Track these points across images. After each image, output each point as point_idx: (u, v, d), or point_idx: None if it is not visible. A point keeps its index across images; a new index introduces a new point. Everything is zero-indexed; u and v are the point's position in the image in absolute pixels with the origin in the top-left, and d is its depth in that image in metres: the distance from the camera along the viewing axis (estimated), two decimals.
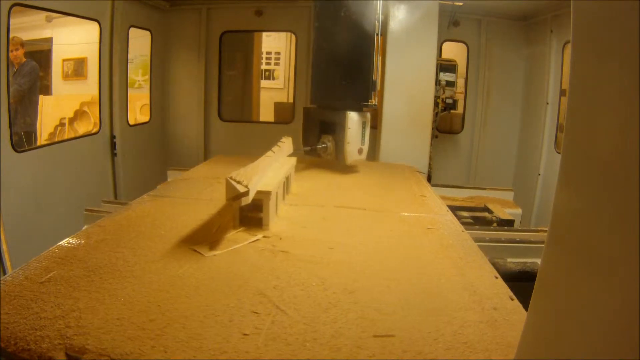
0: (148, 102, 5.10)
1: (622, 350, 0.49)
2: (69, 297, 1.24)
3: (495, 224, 2.92)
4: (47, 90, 5.43)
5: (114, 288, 1.29)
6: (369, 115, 2.94)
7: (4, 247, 2.88)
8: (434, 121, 4.35)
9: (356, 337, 1.09)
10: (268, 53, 7.97)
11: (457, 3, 4.42)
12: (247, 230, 1.78)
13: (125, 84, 4.35)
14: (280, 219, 1.94)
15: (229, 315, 1.17)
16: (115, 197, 4.28)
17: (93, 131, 4.25)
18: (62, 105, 5.56)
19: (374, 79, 2.83)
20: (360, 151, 2.90)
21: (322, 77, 2.95)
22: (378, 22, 2.78)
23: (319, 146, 2.94)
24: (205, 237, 1.71)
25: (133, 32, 4.41)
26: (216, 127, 5.26)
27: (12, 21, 2.92)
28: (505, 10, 4.78)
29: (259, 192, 1.75)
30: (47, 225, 3.31)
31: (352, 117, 2.80)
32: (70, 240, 1.65)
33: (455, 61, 4.73)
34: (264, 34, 7.03)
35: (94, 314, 1.15)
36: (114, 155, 4.25)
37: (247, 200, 1.65)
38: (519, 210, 3.20)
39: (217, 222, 1.87)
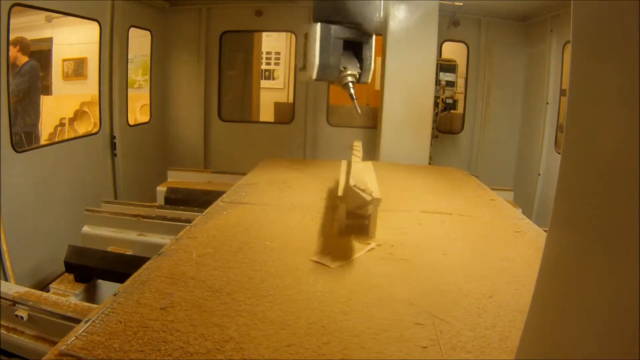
0: (148, 102, 5.09)
1: (622, 350, 0.49)
2: (209, 324, 1.09)
3: None
4: (47, 90, 5.43)
5: (257, 310, 1.18)
6: None
7: (4, 247, 2.88)
8: (434, 121, 4.35)
9: None
10: (268, 53, 7.97)
11: (457, 3, 4.41)
12: (354, 238, 1.75)
13: (125, 84, 4.35)
14: (378, 225, 1.92)
15: (396, 328, 1.13)
16: (115, 197, 4.28)
17: (93, 131, 4.25)
18: (62, 105, 5.55)
19: None
20: None
21: None
22: None
23: (347, 73, 2.48)
24: (316, 246, 1.67)
25: (133, 32, 4.41)
26: (216, 127, 5.26)
27: (12, 21, 2.92)
28: (505, 10, 4.78)
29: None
30: (47, 225, 3.31)
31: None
32: (164, 255, 1.52)
33: (455, 61, 4.72)
34: (264, 34, 7.02)
35: (255, 343, 1.02)
36: (114, 155, 4.25)
37: (371, 209, 1.63)
38: (519, 210, 3.20)
39: (319, 230, 1.84)
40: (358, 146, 2.59)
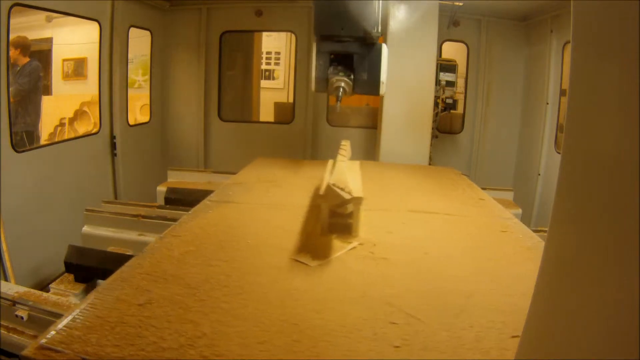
0: (148, 102, 5.09)
1: (622, 350, 0.49)
2: (184, 320, 1.11)
3: None
4: (47, 90, 5.43)
5: (231, 307, 1.19)
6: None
7: (4, 247, 2.88)
8: (434, 121, 4.35)
9: (497, 339, 1.10)
10: (268, 53, 7.97)
11: (457, 3, 4.41)
12: (337, 236, 1.75)
13: (125, 84, 4.35)
14: (361, 224, 1.91)
15: (369, 327, 1.13)
16: (115, 197, 4.28)
17: (93, 131, 4.25)
18: (62, 105, 5.55)
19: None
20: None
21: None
22: None
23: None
24: (297, 245, 1.67)
25: (133, 32, 4.41)
26: (216, 127, 5.26)
27: (12, 21, 2.92)
28: (505, 10, 4.78)
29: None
30: (48, 225, 3.31)
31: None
32: (147, 252, 1.53)
33: (455, 61, 4.72)
34: (264, 34, 7.02)
35: (227, 340, 1.03)
36: (114, 155, 4.25)
37: (350, 207, 1.63)
38: (519, 210, 3.20)
39: (302, 229, 1.84)
40: (345, 145, 2.59)
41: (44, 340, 1.01)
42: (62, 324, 1.09)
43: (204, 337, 1.04)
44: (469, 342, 1.09)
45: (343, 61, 2.69)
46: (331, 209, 1.73)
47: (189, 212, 2.06)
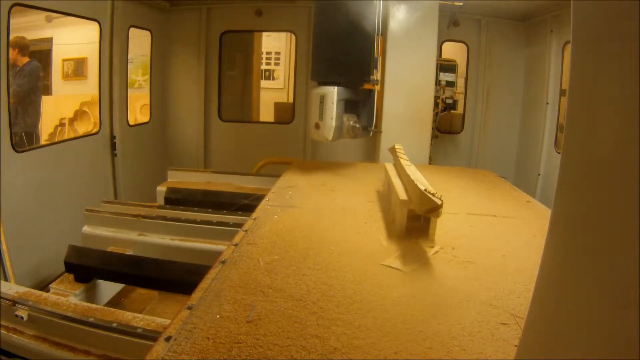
0: (148, 102, 5.09)
1: (622, 350, 0.49)
2: (305, 335, 1.07)
3: None
4: (47, 90, 5.42)
5: (349, 318, 1.17)
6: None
7: (4, 247, 2.88)
8: (434, 121, 4.35)
9: None
10: (268, 53, 7.97)
11: (457, 3, 4.41)
12: (416, 241, 1.79)
13: (125, 84, 4.35)
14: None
15: (486, 329, 1.16)
16: (115, 197, 4.28)
17: (93, 131, 4.25)
18: (62, 105, 5.55)
19: (376, 56, 2.92)
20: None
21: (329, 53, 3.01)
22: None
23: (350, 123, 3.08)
24: (381, 250, 1.68)
25: (133, 32, 4.41)
26: (216, 127, 5.26)
27: (12, 21, 2.92)
28: (505, 10, 4.78)
29: None
30: (47, 225, 3.31)
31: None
32: (228, 263, 1.47)
33: (455, 61, 4.72)
34: (264, 34, 7.02)
35: (362, 353, 1.02)
36: (114, 155, 4.25)
37: (440, 213, 1.66)
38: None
39: (379, 234, 1.87)
40: (401, 149, 2.62)
41: None
42: (166, 348, 0.99)
43: (337, 352, 1.01)
44: None
45: (351, 107, 3.03)
46: (410, 214, 1.78)
47: (253, 218, 2.02)
